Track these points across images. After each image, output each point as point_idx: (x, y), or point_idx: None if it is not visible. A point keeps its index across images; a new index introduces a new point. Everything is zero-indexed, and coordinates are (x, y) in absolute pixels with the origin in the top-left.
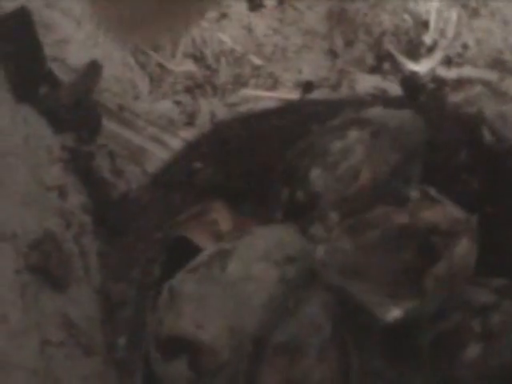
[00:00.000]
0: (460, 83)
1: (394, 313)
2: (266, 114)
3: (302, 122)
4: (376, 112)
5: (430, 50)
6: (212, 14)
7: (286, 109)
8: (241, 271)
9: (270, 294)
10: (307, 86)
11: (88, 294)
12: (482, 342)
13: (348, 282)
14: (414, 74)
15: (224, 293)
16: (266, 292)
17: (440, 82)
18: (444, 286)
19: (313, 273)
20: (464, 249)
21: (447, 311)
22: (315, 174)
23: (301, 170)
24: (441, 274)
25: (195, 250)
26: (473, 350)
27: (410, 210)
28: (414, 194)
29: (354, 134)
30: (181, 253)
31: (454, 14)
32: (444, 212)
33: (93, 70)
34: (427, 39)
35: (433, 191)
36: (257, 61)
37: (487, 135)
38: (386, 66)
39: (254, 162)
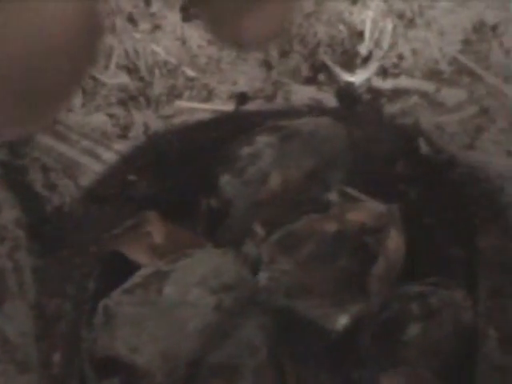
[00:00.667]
0: (396, 94)
1: (342, 321)
2: (200, 126)
3: (237, 134)
4: (295, 120)
5: (366, 60)
6: (145, 26)
7: (221, 120)
8: (177, 295)
9: (205, 320)
10: (242, 98)
11: (23, 310)
12: (421, 321)
13: (295, 302)
14: (349, 84)
15: (159, 317)
16: (202, 318)
17: (376, 92)
18: (385, 282)
19: (251, 299)
20: (395, 241)
21: (386, 303)
22: (224, 180)
23: (213, 178)
24: (381, 273)
25: (131, 264)
26: (413, 330)
27: (335, 215)
28: (333, 196)
29: (263, 139)
30: (117, 267)
31: (389, 24)
32: (367, 209)
33: None
34: (362, 50)
35: (350, 190)
36: (191, 72)
37: (424, 146)
38: (322, 76)
39: (188, 174)
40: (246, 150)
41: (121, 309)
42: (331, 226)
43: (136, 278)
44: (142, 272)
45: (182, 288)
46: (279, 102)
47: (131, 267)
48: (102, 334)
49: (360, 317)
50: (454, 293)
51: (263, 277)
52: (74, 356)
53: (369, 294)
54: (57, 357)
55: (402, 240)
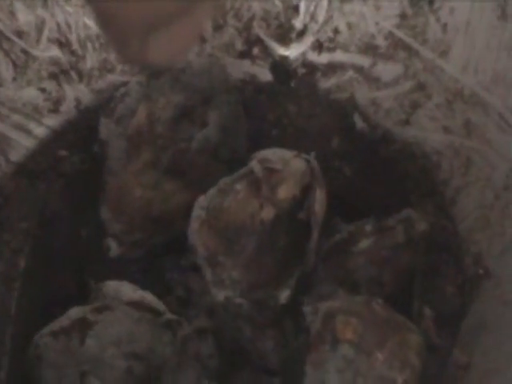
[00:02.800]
0: (331, 68)
1: (283, 296)
2: None
3: None
4: None
5: (301, 34)
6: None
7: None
8: (96, 350)
9: (117, 382)
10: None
11: None
12: (374, 235)
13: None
14: (284, 58)
15: (78, 368)
16: (114, 379)
17: (311, 67)
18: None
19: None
20: (320, 200)
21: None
22: (101, 123)
23: None
24: (315, 240)
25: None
26: (364, 243)
27: (268, 197)
28: (257, 168)
29: (134, 79)
30: (48, 245)
31: None
32: (292, 175)
33: None
34: (297, 24)
35: (267, 155)
36: None
37: (359, 122)
38: (256, 51)
39: None
40: (120, 91)
41: (46, 352)
42: (268, 213)
43: (64, 319)
44: (72, 314)
45: (101, 343)
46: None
47: (64, 245)
48: (32, 370)
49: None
50: (407, 212)
51: (220, 296)
52: (3, 334)
53: (307, 263)
54: None
55: (324, 190)
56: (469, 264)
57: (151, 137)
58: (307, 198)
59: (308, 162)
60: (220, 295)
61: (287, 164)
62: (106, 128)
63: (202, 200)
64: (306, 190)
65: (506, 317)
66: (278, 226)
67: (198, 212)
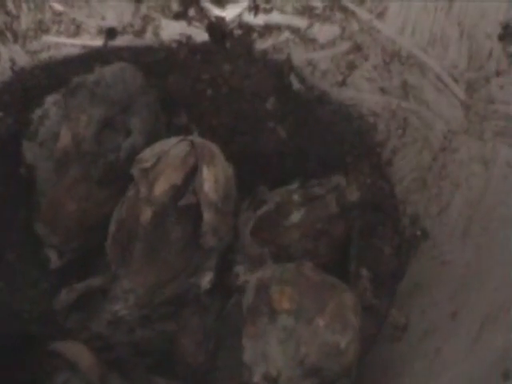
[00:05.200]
0: (268, 30)
1: (206, 281)
2: (68, 62)
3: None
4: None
5: None
6: None
7: (89, 56)
8: None
9: None
10: (110, 33)
11: None
12: (304, 206)
13: None
14: (220, 19)
15: None
16: None
17: (247, 28)
18: (224, 217)
19: None
20: (212, 177)
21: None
22: (24, 146)
23: None
24: (212, 221)
25: None
26: (295, 216)
27: (143, 198)
28: (134, 172)
29: (49, 99)
30: None
31: None
32: (169, 165)
33: None
34: None
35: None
36: (58, 7)
37: (295, 83)
38: (192, 11)
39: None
40: (37, 113)
41: None
42: (145, 215)
43: None
44: None
45: None
46: (149, 38)
47: None
48: None
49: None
50: (337, 179)
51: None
52: None
53: (204, 243)
54: None
55: (221, 167)
56: (406, 225)
57: (78, 155)
58: (193, 181)
59: (192, 143)
60: (108, 311)
61: (166, 155)
62: (31, 151)
63: (114, 213)
64: (193, 173)
65: (442, 277)
66: (162, 221)
67: (110, 226)
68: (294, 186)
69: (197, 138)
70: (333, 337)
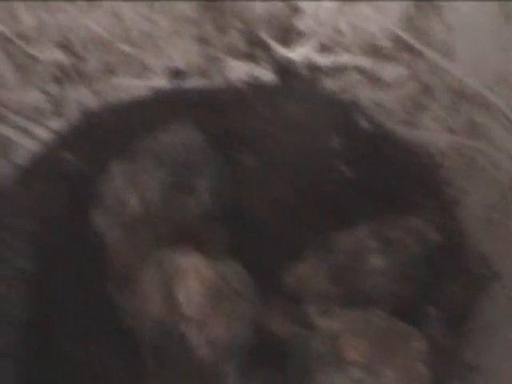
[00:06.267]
0: (335, 70)
1: None
2: (136, 103)
3: (173, 111)
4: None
5: (304, 36)
6: (80, 1)
7: (157, 97)
8: None
9: None
10: (178, 74)
11: None
12: (382, 251)
13: None
14: (287, 60)
15: None
16: None
17: (314, 68)
18: None
19: None
20: None
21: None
22: (94, 213)
23: None
24: None
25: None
26: (376, 261)
27: None
28: None
29: (115, 168)
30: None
31: None
32: None
33: None
34: (301, 25)
35: None
36: (126, 48)
37: (363, 122)
38: (259, 52)
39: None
40: (101, 178)
41: None
42: None
43: None
44: None
45: None
46: (216, 79)
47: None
48: None
49: None
50: (412, 220)
51: None
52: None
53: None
54: None
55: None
56: (474, 264)
57: (148, 219)
58: None
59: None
60: None
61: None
62: (98, 218)
63: None
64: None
65: None
66: None
67: None
68: (364, 229)
69: (168, 258)
70: None
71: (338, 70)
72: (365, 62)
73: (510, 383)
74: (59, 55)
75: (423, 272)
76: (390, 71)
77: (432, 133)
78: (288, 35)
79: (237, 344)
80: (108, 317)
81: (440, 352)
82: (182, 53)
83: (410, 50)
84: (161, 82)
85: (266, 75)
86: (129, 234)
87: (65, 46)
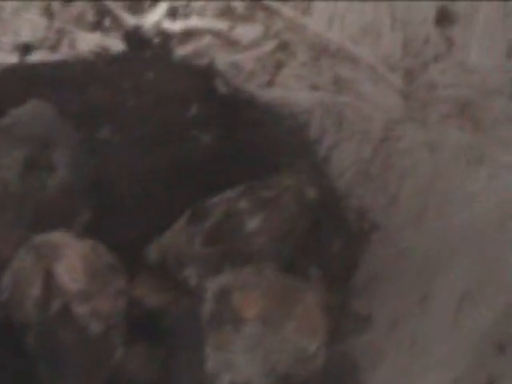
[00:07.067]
0: (188, 35)
1: None
2: None
3: (24, 87)
4: None
5: (154, 2)
6: None
7: (5, 73)
8: None
9: None
10: (26, 49)
11: None
12: (258, 212)
13: None
14: (137, 28)
15: None
16: None
17: (166, 35)
18: None
19: None
20: None
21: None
22: None
23: None
24: None
25: None
26: (252, 223)
27: None
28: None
29: None
30: None
31: None
32: None
33: None
34: None
35: None
36: None
37: (221, 87)
38: (108, 22)
39: None
40: None
41: None
42: None
43: None
44: None
45: None
46: (64, 51)
47: None
48: None
49: None
50: (284, 179)
51: None
52: None
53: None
54: None
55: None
56: (352, 219)
57: (8, 199)
58: None
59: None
60: None
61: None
62: None
63: None
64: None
65: (400, 266)
66: None
67: None
68: (235, 193)
69: (38, 238)
70: (302, 341)
71: (190, 35)
72: (219, 24)
73: (403, 330)
74: None
75: (303, 230)
76: (245, 32)
77: (295, 92)
78: (137, 3)
79: (120, 316)
80: None
81: (330, 306)
82: (30, 27)
83: (266, 8)
84: (8, 58)
85: (117, 45)
86: None
87: None
